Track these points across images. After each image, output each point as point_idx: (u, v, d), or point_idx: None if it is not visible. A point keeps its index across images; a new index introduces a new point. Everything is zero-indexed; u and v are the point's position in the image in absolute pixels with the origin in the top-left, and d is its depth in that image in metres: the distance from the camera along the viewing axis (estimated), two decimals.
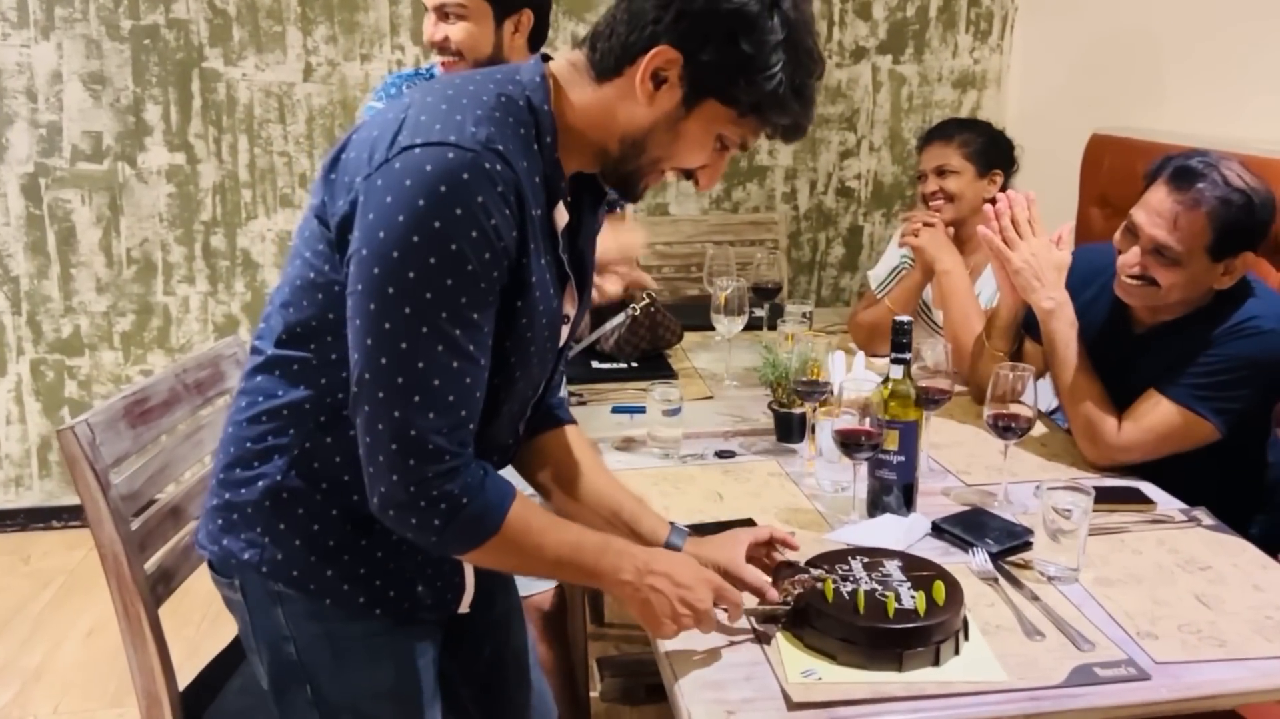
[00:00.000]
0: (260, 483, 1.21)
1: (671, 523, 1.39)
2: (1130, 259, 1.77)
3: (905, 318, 1.57)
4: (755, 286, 2.45)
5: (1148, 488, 1.73)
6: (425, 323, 1.07)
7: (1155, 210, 1.72)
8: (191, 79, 3.22)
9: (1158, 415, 1.75)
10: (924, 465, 1.81)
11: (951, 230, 2.37)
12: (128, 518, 1.45)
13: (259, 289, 3.38)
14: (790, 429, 1.91)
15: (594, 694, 2.38)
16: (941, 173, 2.42)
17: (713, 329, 2.29)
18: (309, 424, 1.19)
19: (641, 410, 1.95)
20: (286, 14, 3.22)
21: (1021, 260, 1.87)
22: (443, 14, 1.98)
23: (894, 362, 1.57)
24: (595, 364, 2.31)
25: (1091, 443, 1.82)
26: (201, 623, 2.70)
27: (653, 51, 1.12)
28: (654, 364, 2.34)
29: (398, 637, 1.28)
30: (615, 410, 2.07)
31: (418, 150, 1.06)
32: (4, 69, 3.14)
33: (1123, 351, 1.85)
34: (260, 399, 1.22)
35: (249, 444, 1.22)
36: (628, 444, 1.92)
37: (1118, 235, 1.82)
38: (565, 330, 1.30)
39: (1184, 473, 1.76)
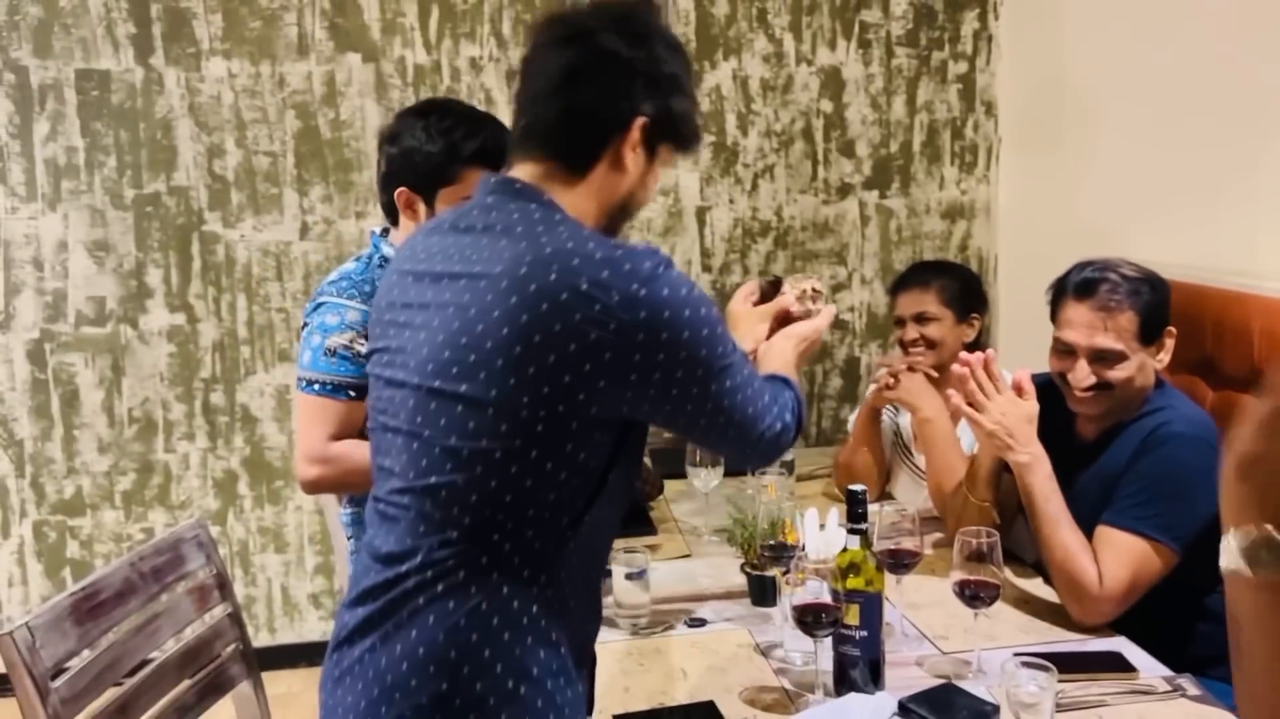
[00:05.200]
0: None
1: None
2: (1081, 374, 1.86)
3: (859, 487, 1.54)
4: None
5: (1131, 650, 1.65)
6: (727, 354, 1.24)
7: (1083, 324, 1.86)
8: (192, 241, 3.31)
9: (1120, 550, 1.74)
10: (899, 631, 1.75)
11: (935, 374, 2.34)
12: None
13: (258, 443, 3.40)
14: (764, 593, 1.86)
15: None
16: (921, 319, 2.40)
17: None
18: None
19: (608, 574, 1.90)
20: (283, 176, 3.32)
21: (993, 422, 1.85)
22: None
23: (850, 532, 1.53)
24: None
25: (1077, 601, 1.76)
26: None
27: (638, 123, 1.24)
28: (634, 520, 2.29)
29: None
30: None
31: (638, 286, 1.14)
32: (12, 241, 3.25)
33: (1067, 466, 1.87)
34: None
35: None
36: None
37: (1050, 360, 1.94)
38: None
39: (1164, 625, 1.72)
